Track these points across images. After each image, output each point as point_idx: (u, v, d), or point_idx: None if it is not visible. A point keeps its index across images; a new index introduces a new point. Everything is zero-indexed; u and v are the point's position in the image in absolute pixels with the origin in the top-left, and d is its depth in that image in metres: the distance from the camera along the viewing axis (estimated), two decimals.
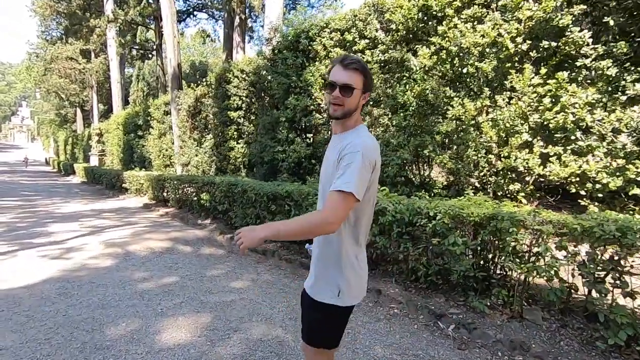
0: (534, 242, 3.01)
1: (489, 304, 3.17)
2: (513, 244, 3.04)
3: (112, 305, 3.38)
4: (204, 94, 11.67)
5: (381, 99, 6.13)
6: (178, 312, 3.27)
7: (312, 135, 8.00)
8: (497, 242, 3.19)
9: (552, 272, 2.84)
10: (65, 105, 34.11)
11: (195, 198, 8.28)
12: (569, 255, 2.85)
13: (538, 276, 2.93)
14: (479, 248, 3.32)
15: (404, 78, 5.78)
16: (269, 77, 8.75)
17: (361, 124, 1.52)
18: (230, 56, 13.41)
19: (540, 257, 2.95)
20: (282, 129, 7.87)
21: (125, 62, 25.59)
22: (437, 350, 2.80)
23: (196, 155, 11.83)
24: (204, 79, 13.33)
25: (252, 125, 9.79)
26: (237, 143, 10.17)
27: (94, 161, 22.42)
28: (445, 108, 5.26)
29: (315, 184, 5.45)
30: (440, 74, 5.41)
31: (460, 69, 5.10)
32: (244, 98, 9.81)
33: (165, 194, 10.05)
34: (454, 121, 5.15)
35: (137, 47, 19.97)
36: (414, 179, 5.83)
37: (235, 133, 10.24)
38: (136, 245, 5.82)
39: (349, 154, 1.34)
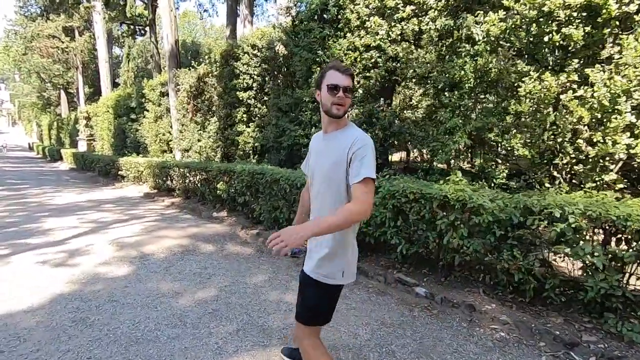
0: None
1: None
2: None
3: (148, 337, 2.54)
4: (207, 72, 10.60)
5: (430, 75, 5.29)
6: (240, 347, 2.46)
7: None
8: None
9: None
10: (47, 87, 32.05)
11: (208, 188, 7.39)
12: None
13: None
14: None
15: (462, 50, 4.94)
16: (287, 52, 7.79)
17: (349, 121, 1.69)
18: (234, 32, 12.25)
19: None
20: (305, 110, 6.98)
21: (113, 42, 23.90)
22: None
23: (199, 140, 10.84)
24: (195, 60, 12.19)
25: (264, 106, 8.84)
26: (247, 127, 9.23)
27: (82, 146, 21.03)
28: (516, 84, 4.47)
29: None
30: (509, 45, 4.59)
31: (539, 38, 4.28)
32: (255, 76, 8.83)
33: (170, 183, 9.10)
34: (528, 99, 4.37)
35: (128, 22, 18.34)
36: (470, 167, 5.07)
37: (244, 116, 9.28)
38: (151, 245, 4.95)
39: (362, 147, 1.52)
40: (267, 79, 8.63)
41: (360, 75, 6.22)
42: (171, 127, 12.90)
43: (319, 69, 6.69)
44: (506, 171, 4.88)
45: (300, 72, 7.13)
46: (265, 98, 8.80)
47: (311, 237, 1.39)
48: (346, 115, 1.64)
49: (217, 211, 7.02)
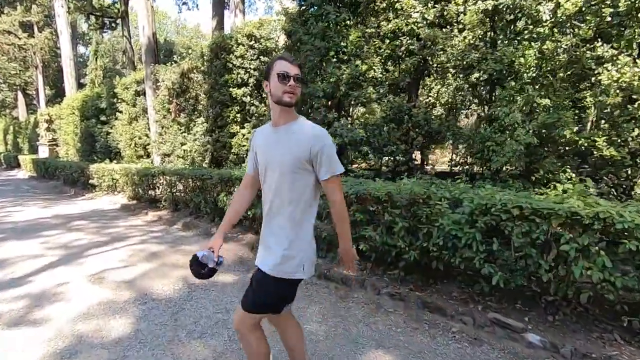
0: None
1: None
2: None
3: None
4: (193, 68, 9.36)
5: (477, 64, 4.46)
6: None
7: (363, 113, 6.21)
8: None
9: None
10: (2, 88, 29.06)
11: (203, 199, 6.21)
12: None
13: None
14: None
15: (523, 33, 4.14)
16: (291, 43, 6.77)
17: (301, 116, 1.65)
18: (221, 23, 11.04)
19: None
20: (317, 107, 5.99)
21: (78, 39, 21.78)
22: None
23: (183, 144, 9.56)
24: (169, 60, 10.85)
25: (263, 104, 7.77)
26: (242, 127, 8.10)
27: (43, 152, 18.86)
28: (596, 71, 3.70)
29: (420, 184, 3.70)
30: (586, 25, 3.82)
31: (629, 14, 3.53)
32: (251, 71, 7.72)
33: (153, 193, 7.80)
34: (612, 89, 3.61)
35: (96, 13, 16.32)
36: (533, 171, 4.27)
37: (238, 115, 8.15)
38: (145, 279, 3.77)
39: (326, 143, 1.54)
40: (286, 54, 7.54)
41: (384, 66, 5.32)
42: (149, 129, 11.49)
43: (335, 59, 5.73)
44: (573, 175, 4.11)
45: (310, 63, 6.12)
46: (264, 95, 7.72)
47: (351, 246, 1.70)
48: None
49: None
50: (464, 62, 4.44)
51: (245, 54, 7.65)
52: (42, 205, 8.45)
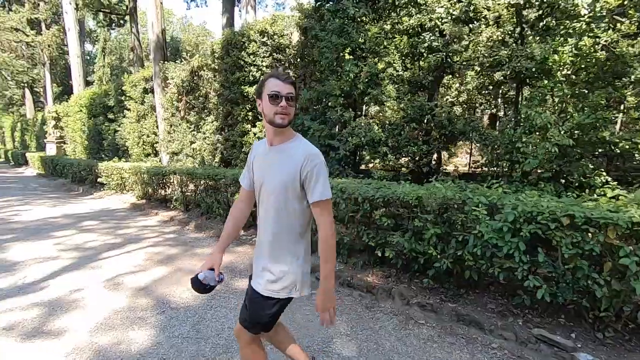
0: None
1: None
2: None
3: None
4: (203, 65, 9.18)
5: (507, 61, 4.24)
6: None
7: (377, 112, 6.01)
8: None
9: None
10: (10, 85, 29.08)
11: (216, 199, 6.05)
12: None
13: None
14: None
15: (555, 29, 3.92)
16: (305, 40, 6.58)
17: (298, 134, 1.60)
18: (231, 20, 10.84)
19: None
20: (333, 106, 5.80)
21: (85, 37, 21.72)
22: None
23: (192, 142, 9.40)
24: (176, 58, 10.63)
25: None
26: (253, 126, 7.93)
27: (50, 150, 18.80)
28: (637, 69, 3.48)
29: (452, 188, 3.51)
30: (628, 19, 3.59)
31: None
32: (264, 68, 7.53)
33: (163, 192, 7.66)
34: None
35: (105, 10, 16.17)
36: (564, 174, 4.05)
37: (249, 114, 7.98)
38: (163, 285, 3.60)
39: (317, 164, 1.48)
40: (280, 70, 7.33)
41: (404, 63, 5.11)
42: (157, 127, 11.36)
43: (351, 57, 5.53)
44: (609, 178, 3.89)
45: (326, 60, 5.92)
46: None
47: (332, 289, 1.54)
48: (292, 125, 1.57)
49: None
50: (491, 59, 4.23)
51: (258, 50, 7.46)
52: (50, 204, 8.33)
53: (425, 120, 4.90)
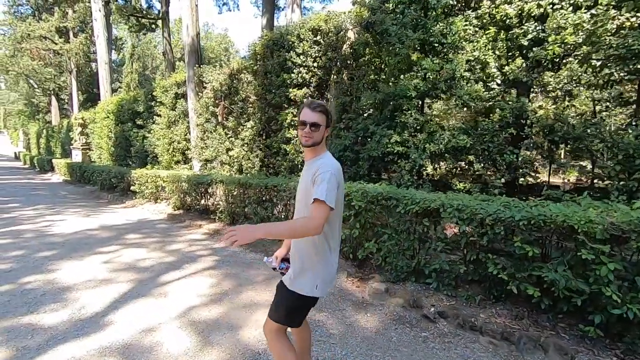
0: None
1: None
2: None
3: None
4: (242, 68, 8.60)
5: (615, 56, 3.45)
6: None
7: (450, 114, 5.27)
8: None
9: None
10: (37, 93, 29.24)
11: (271, 214, 5.34)
12: None
13: None
14: None
15: None
16: (369, 37, 5.89)
17: (326, 151, 1.81)
18: (271, 21, 10.32)
19: None
20: (407, 110, 5.07)
21: (112, 44, 21.57)
22: None
23: (229, 150, 8.78)
24: (198, 64, 10.07)
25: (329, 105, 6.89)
26: None
27: (76, 156, 18.51)
28: None
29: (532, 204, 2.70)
30: None
31: None
32: (315, 69, 6.87)
33: (205, 203, 7.01)
34: None
35: (137, 14, 15.89)
36: None
37: (296, 119, 7.30)
38: (245, 326, 2.88)
39: (323, 172, 1.62)
40: (335, 70, 6.66)
41: (498, 59, 4.37)
42: (189, 133, 10.81)
43: (431, 52, 4.81)
44: None
45: (398, 58, 5.22)
46: (329, 95, 6.85)
47: (260, 237, 1.49)
48: (323, 145, 1.76)
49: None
50: (625, 51, 3.46)
51: (309, 50, 6.81)
52: (84, 214, 7.75)
53: (527, 125, 4.13)
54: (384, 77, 6.15)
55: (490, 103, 4.37)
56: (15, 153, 44.71)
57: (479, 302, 3.11)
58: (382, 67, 6.18)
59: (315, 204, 1.55)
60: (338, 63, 6.62)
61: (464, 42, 4.58)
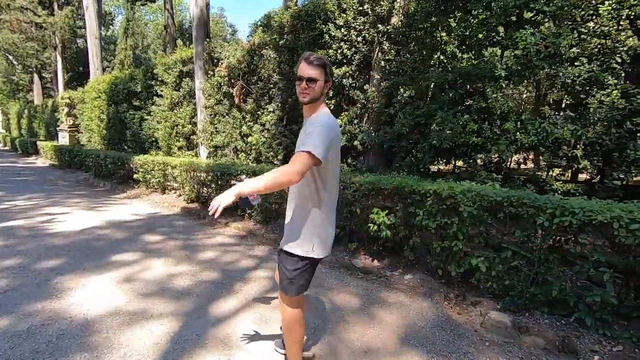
0: None
1: None
2: None
3: None
4: (264, 43, 7.49)
5: None
6: None
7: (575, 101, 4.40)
8: None
9: None
10: (17, 69, 26.98)
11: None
12: None
13: None
14: None
15: None
16: (436, 2, 4.91)
17: (325, 107, 1.71)
18: None
19: None
20: (493, 92, 4.16)
21: (101, 18, 19.69)
22: None
23: (246, 135, 7.74)
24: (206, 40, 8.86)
25: (372, 88, 5.91)
26: (336, 117, 6.28)
27: (63, 139, 16.98)
28: None
29: None
30: None
31: None
32: (359, 44, 5.87)
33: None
34: None
35: None
36: None
37: (332, 102, 6.33)
38: None
39: (312, 125, 1.58)
40: (387, 45, 5.65)
41: (618, 31, 3.49)
42: (195, 116, 9.65)
43: (527, 22, 3.89)
44: None
45: (481, 29, 4.29)
46: (376, 76, 5.86)
47: (239, 195, 1.43)
48: (322, 101, 1.69)
49: (348, 253, 4.07)
50: None
51: (353, 22, 5.79)
52: (84, 206, 6.62)
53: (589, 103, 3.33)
54: (449, 53, 5.20)
55: (609, 90, 3.50)
56: None
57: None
58: (445, 42, 5.22)
59: (298, 153, 1.49)
60: (391, 36, 5.62)
61: (574, 10, 3.68)
